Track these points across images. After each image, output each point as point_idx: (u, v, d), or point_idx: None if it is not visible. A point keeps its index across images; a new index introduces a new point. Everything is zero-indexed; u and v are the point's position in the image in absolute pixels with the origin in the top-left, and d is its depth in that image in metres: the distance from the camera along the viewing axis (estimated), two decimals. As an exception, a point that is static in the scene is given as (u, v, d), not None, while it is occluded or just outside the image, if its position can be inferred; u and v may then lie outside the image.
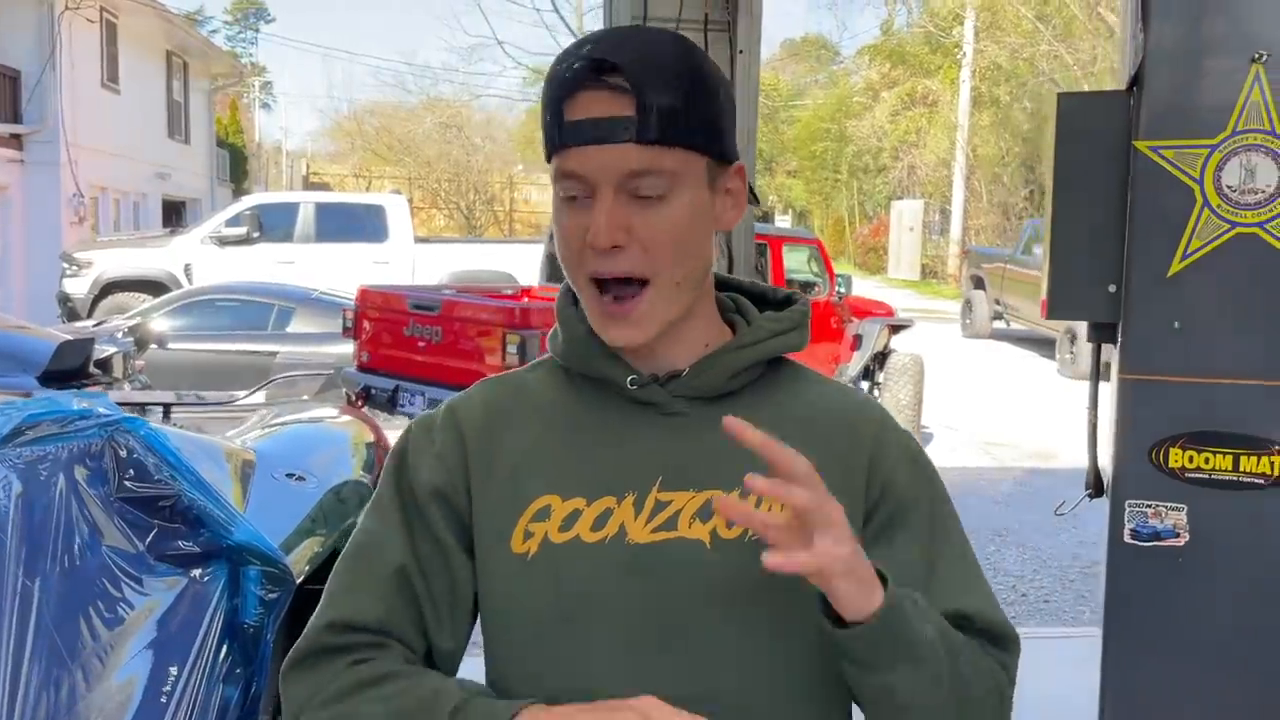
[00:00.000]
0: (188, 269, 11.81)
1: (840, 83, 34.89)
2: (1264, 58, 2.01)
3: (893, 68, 31.55)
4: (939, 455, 8.69)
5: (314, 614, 1.02)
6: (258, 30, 53.53)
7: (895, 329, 8.89)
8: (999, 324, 16.19)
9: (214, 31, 30.04)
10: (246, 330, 8.80)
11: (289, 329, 8.80)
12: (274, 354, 8.63)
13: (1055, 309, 2.34)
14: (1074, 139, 2.20)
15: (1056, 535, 6.35)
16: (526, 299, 7.64)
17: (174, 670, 1.42)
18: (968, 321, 16.48)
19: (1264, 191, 2.02)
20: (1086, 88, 21.61)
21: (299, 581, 1.72)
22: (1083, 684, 3.26)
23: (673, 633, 0.95)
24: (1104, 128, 2.12)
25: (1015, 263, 15.34)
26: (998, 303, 15.95)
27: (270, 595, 1.61)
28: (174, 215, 19.86)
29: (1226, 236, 2.06)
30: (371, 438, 2.85)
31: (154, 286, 11.46)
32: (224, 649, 1.53)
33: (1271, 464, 2.09)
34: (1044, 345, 14.54)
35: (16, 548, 1.30)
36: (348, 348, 7.43)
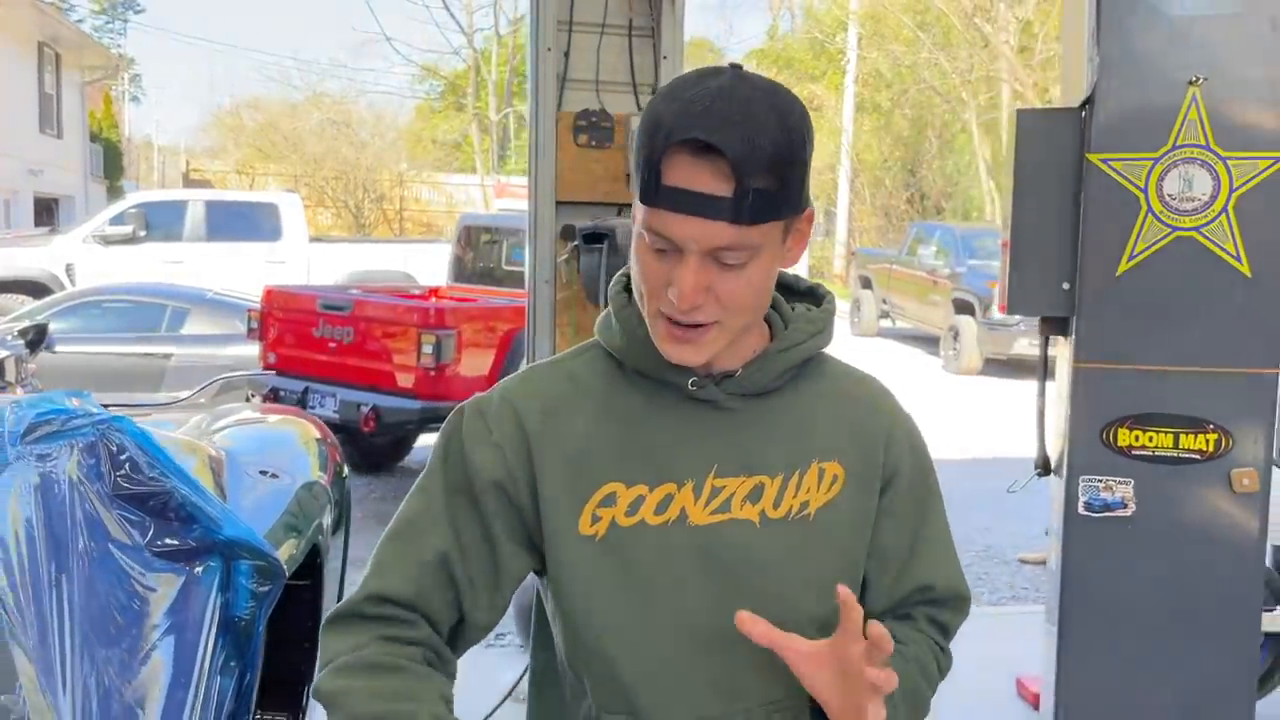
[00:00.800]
0: (69, 269, 11.33)
1: (728, 86, 35.29)
2: (1200, 80, 2.26)
3: (779, 72, 32.18)
4: (836, 449, 8.98)
5: (361, 580, 1.11)
6: (126, 20, 51.41)
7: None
8: (885, 323, 16.76)
9: (80, 21, 28.74)
10: (139, 332, 8.52)
11: (184, 331, 8.55)
12: (168, 356, 8.39)
13: (1015, 305, 2.58)
14: (1031, 152, 2.45)
15: (951, 524, 6.67)
16: (435, 299, 7.63)
17: (188, 662, 1.47)
18: (856, 320, 17.01)
19: (1200, 199, 2.26)
20: (964, 96, 22.52)
21: (287, 574, 1.76)
22: (994, 657, 3.51)
23: (730, 603, 1.04)
24: (1059, 142, 2.36)
25: (901, 263, 15.92)
26: (884, 302, 16.52)
27: (262, 589, 1.64)
28: (45, 213, 18.97)
29: (1168, 239, 2.32)
30: (318, 434, 2.85)
31: (34, 288, 10.97)
32: (220, 642, 1.57)
33: (1208, 441, 2.37)
34: (928, 342, 15.13)
35: (45, 544, 1.32)
36: (247, 349, 7.30)
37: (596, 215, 3.88)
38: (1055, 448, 2.74)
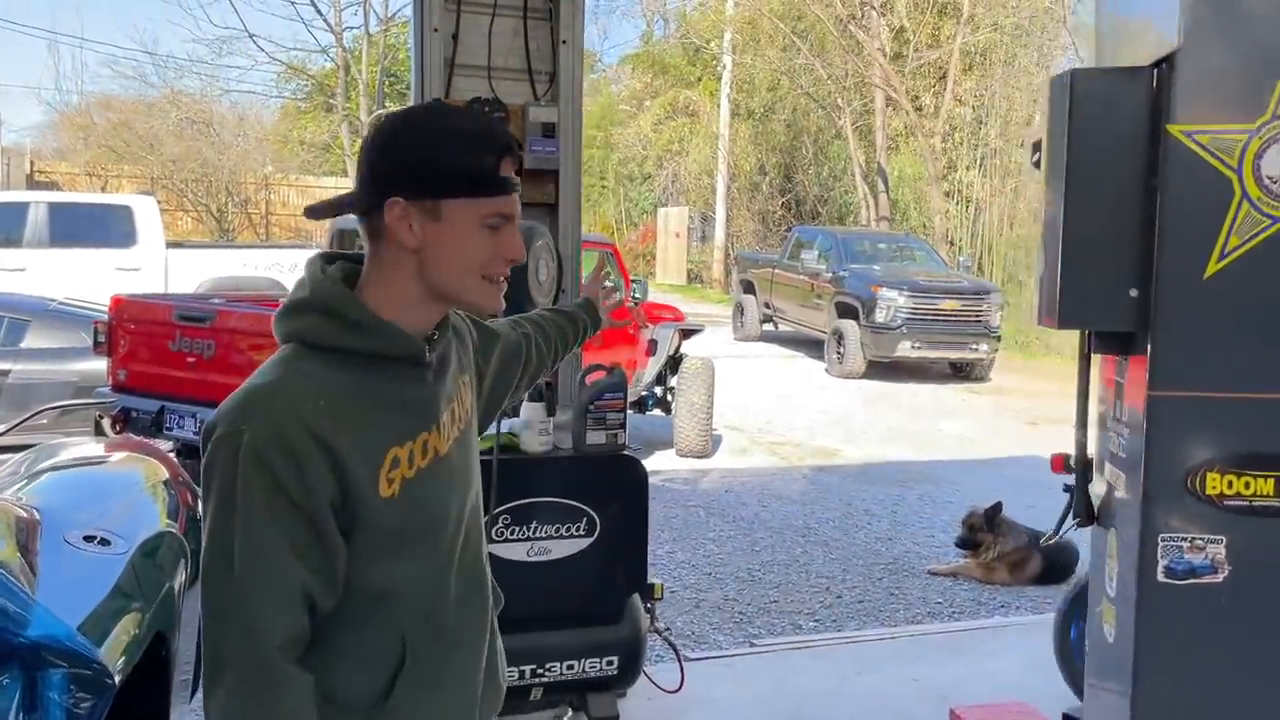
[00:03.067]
0: (-110, 277, 10.24)
1: (603, 91, 35.20)
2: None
3: (654, 78, 32.14)
4: (729, 458, 8.79)
5: (241, 629, 1.22)
6: (-38, 12, 47.92)
7: (686, 333, 8.91)
8: (768, 327, 16.74)
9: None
10: (-30, 346, 7.69)
11: (23, 344, 7.75)
12: (6, 373, 7.59)
13: (1066, 316, 2.07)
14: (1090, 122, 1.93)
15: (854, 533, 6.51)
16: (306, 308, 7.08)
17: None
18: (739, 324, 16.94)
19: (1309, 183, 1.75)
20: (840, 102, 22.80)
21: (118, 681, 1.34)
22: (924, 687, 3.19)
23: (464, 498, 1.45)
24: (1125, 111, 1.87)
25: (783, 267, 15.91)
26: (767, 306, 16.49)
27: (82, 705, 1.24)
28: None
29: (1269, 232, 1.84)
30: (166, 473, 2.41)
31: None
32: (23, 778, 1.15)
33: (1322, 488, 1.83)
34: (810, 346, 15.16)
35: None
36: (94, 364, 6.62)
37: (491, 215, 3.51)
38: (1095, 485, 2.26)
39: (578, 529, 3.24)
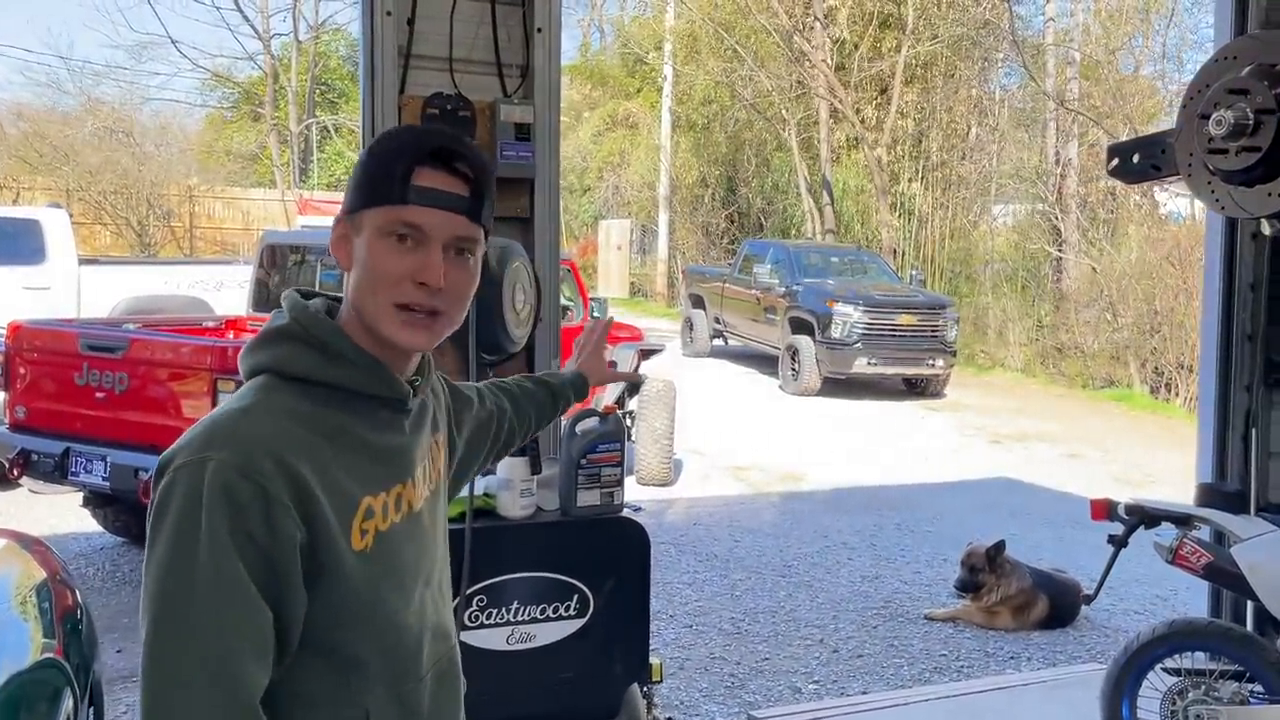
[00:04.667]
0: None
1: (542, 101, 34.64)
2: None
3: (593, 89, 31.75)
4: (693, 485, 8.29)
5: (213, 679, 1.04)
6: None
7: (646, 354, 8.41)
8: (718, 342, 16.32)
9: None
10: None
11: (-89, 375, 6.96)
12: (-110, 407, 6.80)
13: None
14: None
15: (836, 571, 6.05)
16: (234, 334, 6.43)
17: None
18: (689, 340, 16.49)
19: None
20: (784, 114, 22.54)
21: None
22: None
23: (429, 555, 1.34)
24: None
25: (734, 281, 15.50)
26: (717, 321, 16.07)
27: None
28: None
29: None
30: (42, 574, 1.85)
31: None
32: None
33: None
34: (762, 362, 14.77)
35: None
36: (-4, 397, 5.89)
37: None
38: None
39: (567, 609, 2.70)
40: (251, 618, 1.07)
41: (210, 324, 6.91)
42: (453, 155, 1.24)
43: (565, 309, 7.53)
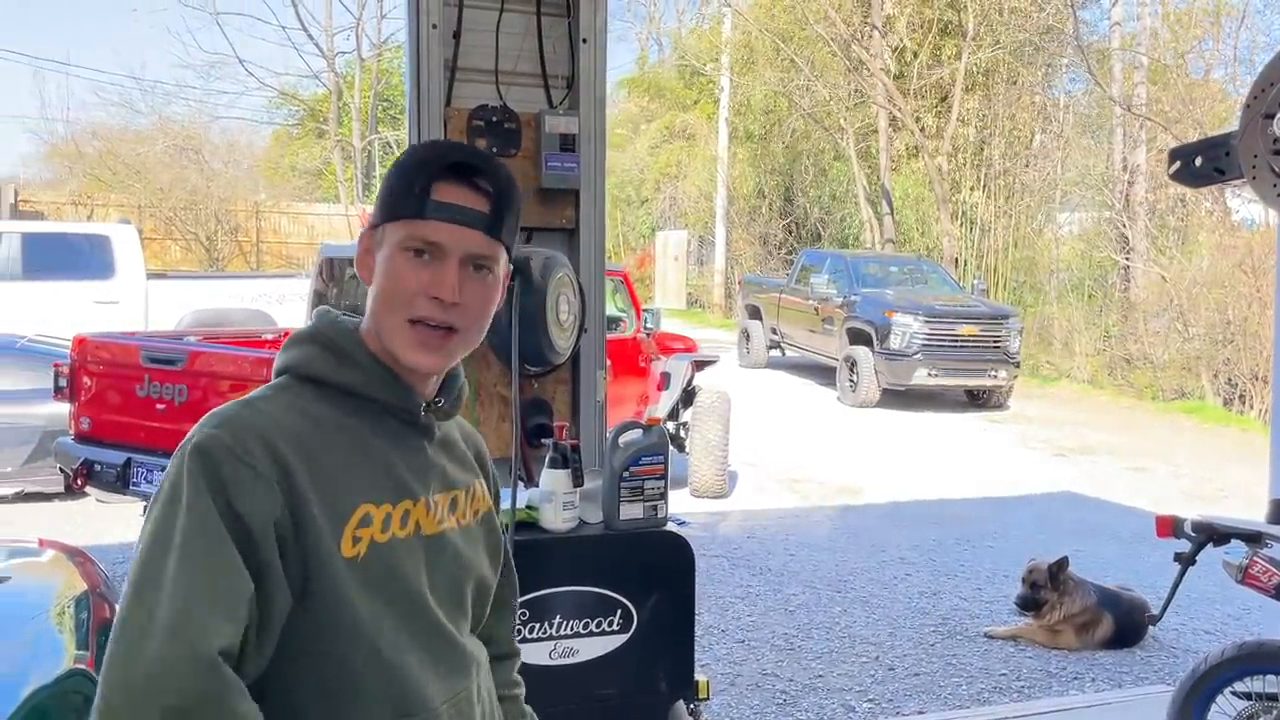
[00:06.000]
0: None
1: (600, 114, 34.80)
2: None
3: (650, 101, 31.81)
4: (748, 497, 8.21)
5: (172, 630, 1.01)
6: (-51, 42, 47.31)
7: (700, 365, 8.36)
8: (775, 353, 16.19)
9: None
10: (-72, 389, 7.12)
11: (-14, 386, 7.18)
12: (-34, 417, 7.02)
13: None
14: None
15: (894, 587, 5.94)
16: (291, 345, 6.52)
17: None
18: (745, 351, 16.39)
19: None
20: (843, 122, 22.36)
21: None
22: None
23: (446, 596, 1.25)
24: None
25: (790, 292, 15.38)
26: (774, 332, 15.95)
27: None
28: None
29: None
30: (83, 586, 1.87)
31: None
32: None
33: None
34: (820, 373, 14.62)
35: None
36: (64, 408, 6.04)
37: (500, 244, 2.96)
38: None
39: (610, 624, 2.66)
40: (224, 578, 1.04)
41: (269, 336, 7.02)
42: (473, 170, 1.23)
43: (616, 320, 7.52)
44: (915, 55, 21.21)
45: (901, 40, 21.31)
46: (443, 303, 1.19)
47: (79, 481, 5.28)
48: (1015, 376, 13.33)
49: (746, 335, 16.53)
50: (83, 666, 1.67)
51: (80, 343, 5.56)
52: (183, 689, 0.99)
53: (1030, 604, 5.01)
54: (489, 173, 1.24)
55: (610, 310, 7.87)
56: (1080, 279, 18.15)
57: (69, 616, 1.71)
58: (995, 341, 12.96)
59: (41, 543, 2.16)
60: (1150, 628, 5.05)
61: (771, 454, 9.77)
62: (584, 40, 3.14)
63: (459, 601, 1.27)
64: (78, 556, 2.04)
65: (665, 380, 7.83)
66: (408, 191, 1.21)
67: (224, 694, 1.01)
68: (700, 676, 2.89)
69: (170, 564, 1.04)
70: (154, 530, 1.07)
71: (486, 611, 1.36)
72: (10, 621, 1.60)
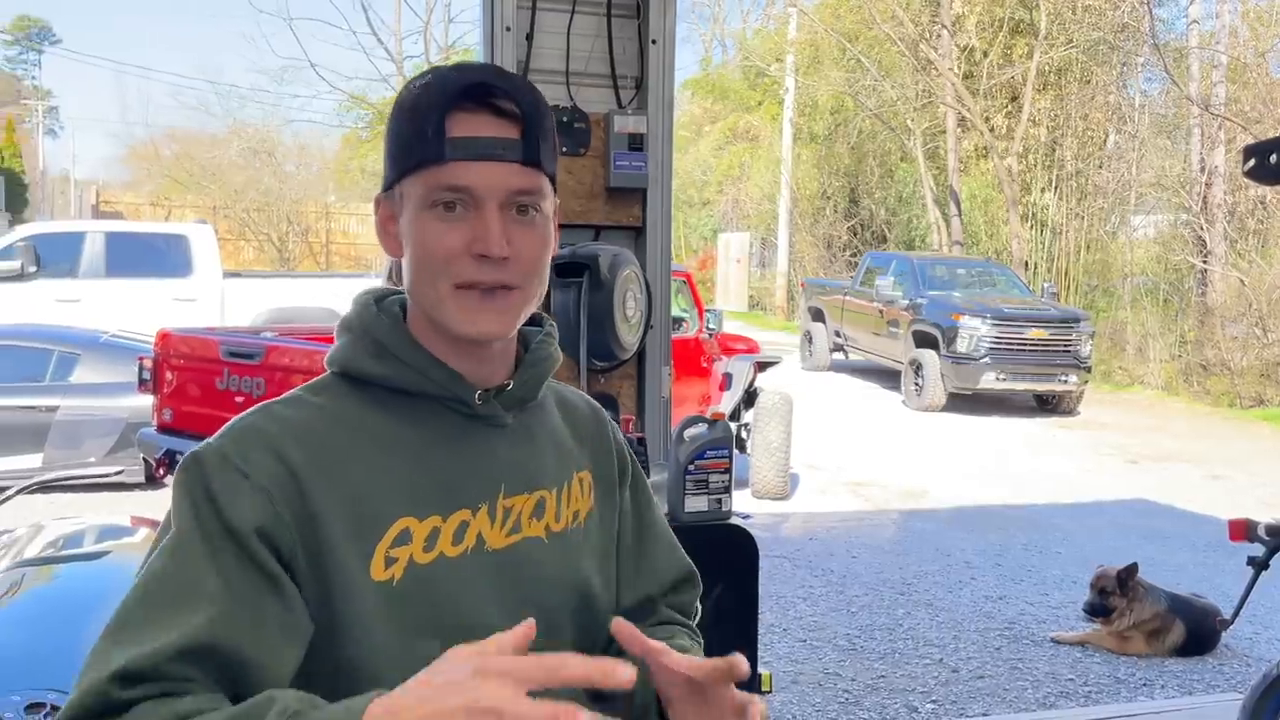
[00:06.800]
0: (-54, 310, 10.08)
1: (664, 116, 34.86)
2: None
3: (714, 103, 31.77)
4: (810, 499, 8.19)
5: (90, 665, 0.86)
6: (41, 51, 49.05)
7: (762, 366, 8.36)
8: (838, 356, 16.09)
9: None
10: (19, 381, 7.42)
11: (72, 379, 7.46)
12: (54, 409, 7.30)
13: None
14: None
15: (959, 591, 5.89)
16: (362, 342, 6.67)
17: None
18: (808, 354, 16.31)
19: None
20: (910, 123, 22.14)
21: None
22: None
23: (539, 624, 0.89)
24: None
25: (854, 294, 15.27)
26: (837, 335, 15.85)
27: None
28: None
29: None
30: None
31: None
32: None
33: None
34: (885, 376, 14.49)
35: None
36: (146, 401, 6.26)
37: (569, 240, 3.03)
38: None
39: (675, 615, 2.70)
40: (175, 589, 0.90)
41: (341, 333, 7.20)
42: (491, 92, 1.00)
43: (679, 321, 7.55)
44: (985, 55, 20.92)
45: (971, 39, 21.03)
46: (490, 259, 0.99)
47: (160, 471, 5.47)
48: (1086, 382, 13.08)
49: (809, 337, 16.45)
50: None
51: (164, 337, 5.77)
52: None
53: (1099, 610, 4.93)
54: (510, 90, 1.01)
55: (673, 310, 7.91)
56: (1155, 283, 17.73)
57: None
58: (1065, 346, 12.74)
59: (134, 520, 2.26)
60: (1223, 634, 4.95)
61: (834, 457, 9.73)
62: (653, 41, 3.19)
63: (548, 624, 0.99)
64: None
65: (727, 381, 7.85)
66: (419, 134, 1.00)
67: (105, 712, 0.84)
68: (763, 670, 2.92)
69: (131, 593, 0.91)
70: (152, 548, 0.95)
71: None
72: (114, 593, 1.69)
